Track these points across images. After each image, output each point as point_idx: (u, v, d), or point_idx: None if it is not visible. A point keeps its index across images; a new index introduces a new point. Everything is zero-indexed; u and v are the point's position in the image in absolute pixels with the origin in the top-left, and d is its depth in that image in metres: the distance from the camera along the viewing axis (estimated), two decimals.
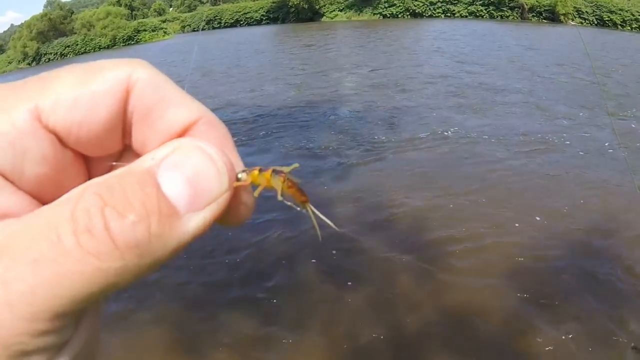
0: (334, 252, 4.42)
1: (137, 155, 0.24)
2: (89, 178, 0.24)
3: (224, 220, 0.23)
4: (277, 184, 0.26)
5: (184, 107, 0.22)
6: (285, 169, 0.27)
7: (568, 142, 7.21)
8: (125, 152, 0.25)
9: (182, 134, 0.23)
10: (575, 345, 3.25)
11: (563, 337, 3.31)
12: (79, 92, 0.20)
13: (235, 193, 0.23)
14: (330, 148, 7.39)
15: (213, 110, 0.22)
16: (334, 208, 5.35)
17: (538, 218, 4.88)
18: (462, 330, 3.41)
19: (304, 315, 3.64)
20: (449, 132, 7.75)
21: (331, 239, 4.57)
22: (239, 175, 0.24)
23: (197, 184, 0.21)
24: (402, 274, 4.08)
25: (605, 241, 4.48)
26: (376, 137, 7.75)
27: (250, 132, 8.62)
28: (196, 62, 18.09)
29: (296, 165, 0.27)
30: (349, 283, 3.98)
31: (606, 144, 7.01)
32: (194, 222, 0.20)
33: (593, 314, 3.52)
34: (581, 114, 8.75)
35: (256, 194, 0.26)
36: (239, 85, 13.54)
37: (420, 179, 6.03)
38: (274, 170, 0.26)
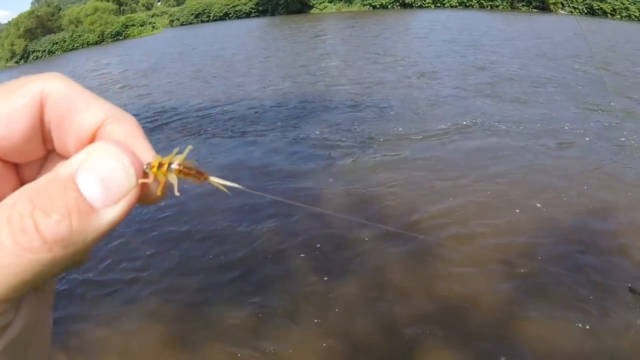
0: (324, 244, 4.39)
1: (61, 157, 0.27)
2: (20, 181, 0.27)
3: (141, 202, 0.27)
4: (173, 177, 0.28)
5: (91, 111, 0.25)
6: (180, 157, 0.29)
7: (576, 132, 7.05)
8: (50, 155, 0.28)
9: (94, 134, 0.25)
10: (567, 333, 3.21)
11: (555, 325, 3.27)
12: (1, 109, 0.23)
13: (143, 184, 0.26)
14: (322, 140, 7.33)
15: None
16: (326, 199, 5.30)
17: (536, 204, 4.81)
18: (454, 318, 3.38)
19: (295, 307, 3.62)
20: (442, 123, 7.59)
21: (322, 232, 4.55)
22: (146, 169, 0.27)
23: (109, 183, 0.24)
24: (393, 264, 4.04)
25: (597, 231, 4.41)
26: (368, 129, 7.68)
27: (243, 124, 8.48)
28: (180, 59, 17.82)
29: (190, 147, 0.29)
30: (340, 275, 3.95)
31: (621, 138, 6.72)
32: (109, 215, 0.23)
33: (584, 301, 3.48)
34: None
35: (159, 192, 0.27)
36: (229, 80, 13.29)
37: (411, 169, 5.98)
38: (169, 165, 0.28)
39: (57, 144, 0.27)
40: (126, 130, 0.26)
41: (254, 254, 4.36)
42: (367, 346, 3.23)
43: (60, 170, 0.23)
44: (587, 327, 3.23)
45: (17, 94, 0.23)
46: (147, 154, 0.27)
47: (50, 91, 0.24)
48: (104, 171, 0.24)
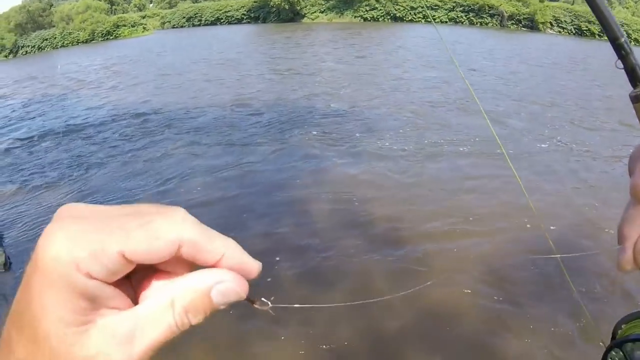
0: (308, 254, 4.41)
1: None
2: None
3: None
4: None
5: (213, 251, 0.31)
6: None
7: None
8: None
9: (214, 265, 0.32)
10: (550, 344, 3.27)
11: (537, 336, 3.34)
12: (151, 246, 0.29)
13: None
14: (305, 147, 7.40)
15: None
16: (309, 208, 5.35)
17: (513, 217, 4.92)
18: (438, 329, 3.46)
19: (279, 317, 3.58)
20: (427, 137, 7.72)
21: (306, 242, 4.58)
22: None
23: (229, 299, 0.32)
24: (377, 275, 4.11)
25: (578, 247, 4.49)
26: (353, 138, 7.77)
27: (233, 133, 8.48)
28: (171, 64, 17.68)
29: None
30: (324, 285, 4.00)
31: None
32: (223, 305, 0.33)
33: (567, 313, 3.55)
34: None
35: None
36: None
37: (394, 179, 6.08)
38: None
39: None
40: (236, 262, 0.33)
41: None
42: (350, 356, 3.28)
43: (198, 283, 0.31)
44: (568, 343, 3.29)
45: (158, 239, 0.29)
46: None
47: (184, 239, 0.29)
48: (228, 294, 0.31)
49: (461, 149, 7.21)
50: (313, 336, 3.45)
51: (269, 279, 3.95)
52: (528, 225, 4.71)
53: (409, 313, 3.64)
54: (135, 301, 0.32)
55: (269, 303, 0.37)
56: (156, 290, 0.31)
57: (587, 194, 5.76)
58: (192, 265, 0.32)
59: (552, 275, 3.97)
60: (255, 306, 0.36)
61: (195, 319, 0.31)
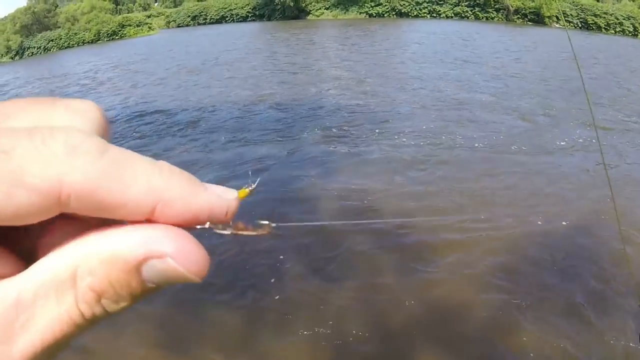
0: (317, 250, 4.41)
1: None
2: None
3: None
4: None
5: (128, 205, 0.21)
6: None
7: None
8: None
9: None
10: (559, 341, 3.27)
11: (547, 333, 3.33)
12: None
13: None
14: (314, 143, 7.40)
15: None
16: (318, 204, 5.36)
17: (526, 215, 4.92)
18: (446, 325, 3.46)
19: (288, 314, 3.64)
20: (442, 135, 7.69)
21: (314, 237, 4.58)
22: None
23: (171, 279, 0.22)
24: (386, 271, 4.11)
25: (588, 239, 4.52)
26: (361, 133, 7.75)
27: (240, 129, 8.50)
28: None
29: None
30: (333, 281, 4.00)
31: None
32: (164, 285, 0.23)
33: (575, 309, 3.56)
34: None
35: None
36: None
37: (404, 175, 6.07)
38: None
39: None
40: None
41: (246, 260, 4.34)
42: (360, 355, 3.28)
43: (120, 249, 0.20)
44: (579, 338, 3.30)
45: (18, 187, 0.19)
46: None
47: (67, 186, 0.19)
48: (169, 273, 0.21)
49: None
50: (320, 331, 3.44)
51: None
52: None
53: (417, 305, 3.65)
54: (30, 252, 0.23)
55: (266, 223, 0.28)
56: (58, 243, 0.21)
57: None
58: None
59: None
60: (222, 232, 0.25)
61: (114, 306, 0.21)
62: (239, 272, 4.18)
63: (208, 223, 0.23)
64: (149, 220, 0.21)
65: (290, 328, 3.49)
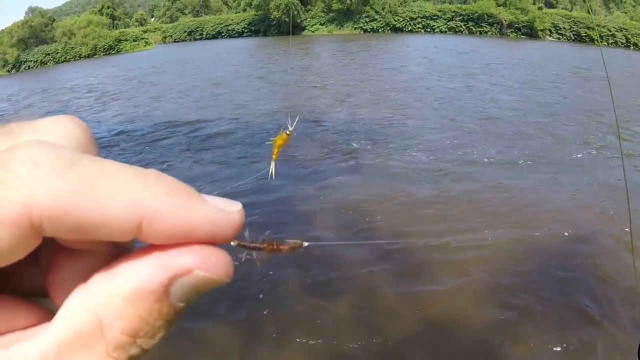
0: (315, 264, 4.37)
1: None
2: None
3: None
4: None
5: (106, 224, 0.18)
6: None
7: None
8: None
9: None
10: (555, 355, 3.30)
11: (543, 347, 3.36)
12: None
13: None
14: (310, 159, 7.42)
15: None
16: (315, 219, 5.39)
17: (518, 229, 4.98)
18: (443, 338, 3.48)
19: (286, 328, 3.64)
20: (435, 147, 7.82)
21: (312, 252, 4.65)
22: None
23: (202, 291, 0.21)
24: (383, 284, 4.12)
25: (582, 249, 4.58)
26: (356, 149, 7.85)
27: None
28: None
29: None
30: (331, 295, 4.00)
31: None
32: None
33: (571, 323, 3.60)
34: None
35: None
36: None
37: (400, 190, 6.12)
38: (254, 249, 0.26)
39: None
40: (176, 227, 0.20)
41: (244, 272, 4.22)
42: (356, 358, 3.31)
43: (141, 284, 0.19)
44: (571, 350, 3.34)
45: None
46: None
47: (34, 205, 0.17)
48: (200, 286, 0.20)
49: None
50: (318, 343, 3.45)
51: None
52: None
53: (414, 319, 3.67)
54: (42, 292, 0.22)
55: (303, 243, 0.27)
56: (69, 279, 0.20)
57: None
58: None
59: None
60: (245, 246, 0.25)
61: (151, 341, 0.20)
62: (234, 284, 4.14)
63: (235, 241, 0.22)
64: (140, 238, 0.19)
65: (287, 343, 3.47)
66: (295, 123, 0.24)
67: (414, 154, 7.51)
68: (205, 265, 0.20)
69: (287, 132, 0.25)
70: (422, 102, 11.47)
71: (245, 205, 0.21)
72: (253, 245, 0.25)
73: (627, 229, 4.47)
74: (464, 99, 11.61)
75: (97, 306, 0.19)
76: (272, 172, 0.35)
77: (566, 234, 4.93)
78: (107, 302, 0.19)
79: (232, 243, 0.23)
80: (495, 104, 11.17)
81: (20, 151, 0.17)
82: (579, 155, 7.49)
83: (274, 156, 0.43)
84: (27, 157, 0.17)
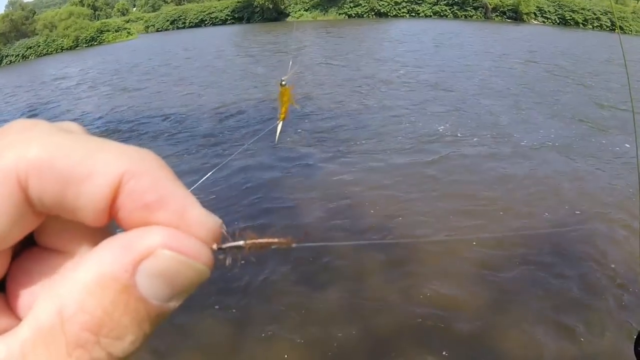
0: (304, 255, 4.36)
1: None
2: None
3: None
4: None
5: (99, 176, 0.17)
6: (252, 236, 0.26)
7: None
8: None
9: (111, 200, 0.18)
10: (545, 342, 3.29)
11: (533, 335, 3.36)
12: None
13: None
14: (295, 149, 7.31)
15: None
16: (301, 211, 5.34)
17: (510, 218, 4.95)
18: (433, 328, 3.48)
19: (275, 319, 3.63)
20: (423, 134, 7.71)
21: (300, 247, 4.53)
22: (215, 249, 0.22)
23: (174, 282, 0.19)
24: (372, 275, 4.12)
25: (576, 240, 4.57)
26: (344, 139, 7.71)
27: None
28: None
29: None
30: (320, 286, 3.99)
31: None
32: (173, 305, 0.19)
33: (563, 311, 3.59)
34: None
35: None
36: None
37: (388, 178, 6.05)
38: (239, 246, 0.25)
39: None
40: (154, 180, 0.19)
41: (233, 266, 4.29)
42: (348, 358, 3.28)
43: (103, 271, 0.17)
44: (567, 335, 3.33)
45: None
46: (180, 198, 0.19)
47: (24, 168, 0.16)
48: (169, 272, 0.18)
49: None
50: (309, 335, 3.45)
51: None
52: None
53: (404, 308, 3.66)
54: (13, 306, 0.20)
55: (292, 243, 0.26)
56: (43, 286, 0.19)
57: None
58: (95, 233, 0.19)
59: None
60: (235, 244, 0.23)
61: (118, 345, 0.17)
62: (224, 279, 4.10)
63: (215, 244, 0.21)
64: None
65: (277, 334, 3.46)
66: (290, 71, 0.24)
67: (398, 145, 7.36)
68: (172, 242, 0.18)
69: (282, 83, 0.25)
70: (411, 89, 11.25)
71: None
72: (234, 245, 0.24)
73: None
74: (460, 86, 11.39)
75: (58, 299, 0.17)
76: (277, 136, 0.32)
77: (559, 215, 4.93)
78: (69, 293, 0.17)
79: (213, 247, 0.21)
80: (491, 90, 10.94)
81: (16, 124, 0.18)
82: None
83: (281, 116, 0.38)
84: (21, 124, 0.18)
